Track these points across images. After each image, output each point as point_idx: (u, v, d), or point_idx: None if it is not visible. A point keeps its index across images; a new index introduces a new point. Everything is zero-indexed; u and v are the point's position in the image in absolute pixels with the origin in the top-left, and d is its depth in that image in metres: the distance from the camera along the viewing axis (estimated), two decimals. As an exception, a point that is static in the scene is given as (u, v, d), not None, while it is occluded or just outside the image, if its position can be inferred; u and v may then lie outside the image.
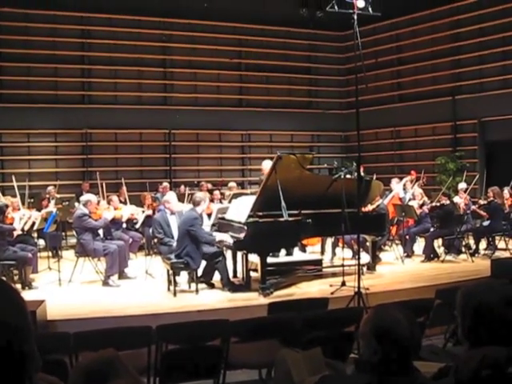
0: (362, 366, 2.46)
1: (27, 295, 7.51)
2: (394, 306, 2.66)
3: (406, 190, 12.40)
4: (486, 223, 11.35)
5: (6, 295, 1.04)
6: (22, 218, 9.35)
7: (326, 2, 7.84)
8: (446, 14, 16.17)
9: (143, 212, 11.04)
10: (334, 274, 9.05)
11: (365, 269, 9.10)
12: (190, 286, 8.38)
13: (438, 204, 11.01)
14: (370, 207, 10.00)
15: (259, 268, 8.00)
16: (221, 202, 11.68)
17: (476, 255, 10.97)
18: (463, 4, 15.70)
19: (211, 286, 8.47)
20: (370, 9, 7.51)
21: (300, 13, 16.86)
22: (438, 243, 11.07)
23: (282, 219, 7.86)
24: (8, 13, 14.57)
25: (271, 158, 8.80)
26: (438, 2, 16.01)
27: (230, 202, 10.67)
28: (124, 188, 12.01)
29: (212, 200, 11.77)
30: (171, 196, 9.45)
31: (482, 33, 15.40)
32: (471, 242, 11.40)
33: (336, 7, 7.32)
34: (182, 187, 13.85)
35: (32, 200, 12.03)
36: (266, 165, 9.35)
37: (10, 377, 1.00)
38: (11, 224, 8.99)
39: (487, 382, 2.17)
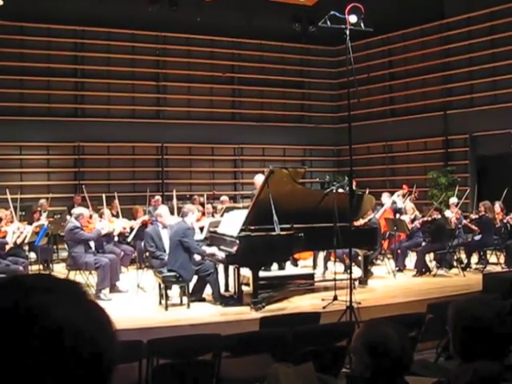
0: (353, 381, 2.46)
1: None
2: (385, 320, 2.66)
3: (396, 205, 12.44)
4: (477, 237, 11.39)
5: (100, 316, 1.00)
6: (16, 231, 9.30)
7: (319, 17, 7.89)
8: (436, 30, 16.32)
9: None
10: (325, 288, 9.05)
11: (357, 283, 9.09)
12: (181, 300, 8.35)
13: (430, 218, 11.04)
14: (361, 221, 10.02)
15: (251, 282, 7.99)
16: (213, 216, 11.67)
17: (467, 269, 10.98)
18: (453, 20, 15.85)
19: (202, 300, 8.45)
20: (362, 24, 7.56)
21: (293, 28, 16.98)
22: (429, 257, 11.09)
23: (274, 233, 7.87)
24: (2, 26, 14.59)
25: (263, 172, 8.82)
26: (428, 18, 16.16)
27: (222, 215, 10.67)
28: (116, 201, 11.98)
29: (204, 214, 11.76)
30: (163, 210, 9.44)
31: (472, 49, 15.55)
32: (463, 256, 11.43)
33: (328, 22, 7.36)
34: (175, 200, 13.83)
35: (23, 213, 11.97)
36: (259, 179, 9.37)
37: None
38: (4, 237, 8.95)
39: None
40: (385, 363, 2.29)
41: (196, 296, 8.42)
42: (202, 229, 10.19)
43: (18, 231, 9.35)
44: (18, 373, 0.85)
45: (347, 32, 7.30)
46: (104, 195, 10.71)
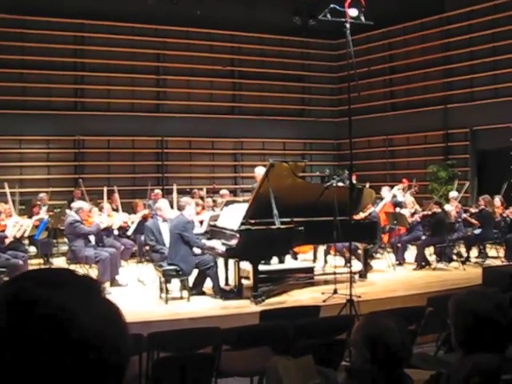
0: (353, 374, 2.46)
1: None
2: (385, 313, 2.66)
3: (396, 198, 12.45)
4: (477, 231, 11.40)
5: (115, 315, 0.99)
6: (15, 225, 9.30)
7: (319, 10, 7.87)
8: (437, 23, 16.28)
9: None
10: (325, 282, 9.05)
11: (356, 276, 9.10)
12: (181, 294, 8.35)
13: (430, 212, 11.04)
14: (361, 215, 10.02)
15: (251, 275, 8.00)
16: (213, 210, 11.67)
17: (467, 263, 11.00)
18: (454, 14, 15.81)
19: (202, 293, 8.46)
20: (362, 17, 7.54)
21: (293, 21, 16.93)
22: (429, 251, 11.09)
23: (274, 227, 7.87)
24: (2, 19, 14.55)
25: (264, 166, 8.82)
26: (429, 11, 16.11)
27: (222, 209, 10.68)
28: (116, 195, 11.97)
29: (204, 207, 11.76)
30: (163, 203, 9.44)
31: (473, 43, 15.51)
32: (462, 250, 11.44)
33: (329, 16, 7.35)
34: (175, 194, 13.79)
35: (23, 207, 11.97)
36: (259, 171, 9.36)
37: None
38: (3, 231, 8.95)
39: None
40: (384, 356, 2.30)
41: (196, 289, 8.43)
42: (202, 222, 10.21)
43: (17, 225, 9.35)
44: (19, 363, 0.85)
45: (347, 25, 7.28)
46: (105, 189, 10.72)
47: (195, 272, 8.40)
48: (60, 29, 15.59)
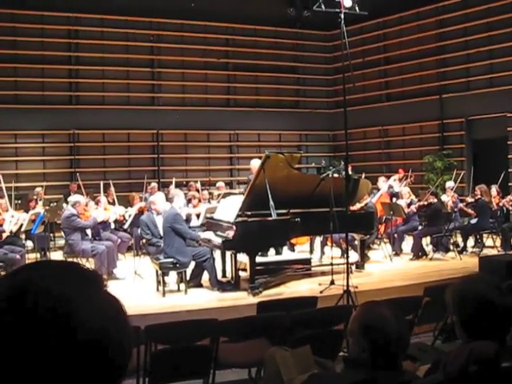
0: (351, 364, 2.46)
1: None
2: (381, 302, 2.66)
3: (393, 189, 12.46)
4: (473, 221, 11.41)
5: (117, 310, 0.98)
6: (11, 219, 9.29)
7: (313, 1, 7.84)
8: (432, 13, 16.23)
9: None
10: (322, 273, 9.06)
11: (353, 267, 9.11)
12: (178, 286, 8.36)
13: (426, 202, 11.05)
14: (358, 206, 10.02)
15: (248, 267, 8.01)
16: (209, 202, 11.67)
17: (464, 253, 11.03)
18: (449, 3, 15.76)
19: (200, 285, 8.47)
20: (356, 8, 7.54)
21: (287, 12, 16.87)
22: (426, 241, 11.12)
23: (270, 218, 7.87)
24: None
25: (259, 158, 8.81)
26: (424, 1, 16.06)
27: (218, 201, 10.68)
28: (112, 189, 11.96)
29: (200, 200, 11.76)
30: (157, 197, 9.43)
31: (468, 32, 15.47)
32: (459, 239, 11.46)
33: (323, 6, 7.34)
34: (172, 187, 13.75)
35: (19, 201, 11.95)
36: (255, 164, 9.35)
37: None
38: (1, 225, 8.95)
39: (475, 377, 2.18)
40: (381, 345, 2.29)
41: (194, 282, 8.44)
42: (198, 215, 10.21)
43: (13, 219, 9.34)
44: (21, 355, 0.84)
45: (342, 16, 7.26)
46: (102, 183, 10.70)
47: (192, 264, 8.41)
48: (53, 22, 15.51)
